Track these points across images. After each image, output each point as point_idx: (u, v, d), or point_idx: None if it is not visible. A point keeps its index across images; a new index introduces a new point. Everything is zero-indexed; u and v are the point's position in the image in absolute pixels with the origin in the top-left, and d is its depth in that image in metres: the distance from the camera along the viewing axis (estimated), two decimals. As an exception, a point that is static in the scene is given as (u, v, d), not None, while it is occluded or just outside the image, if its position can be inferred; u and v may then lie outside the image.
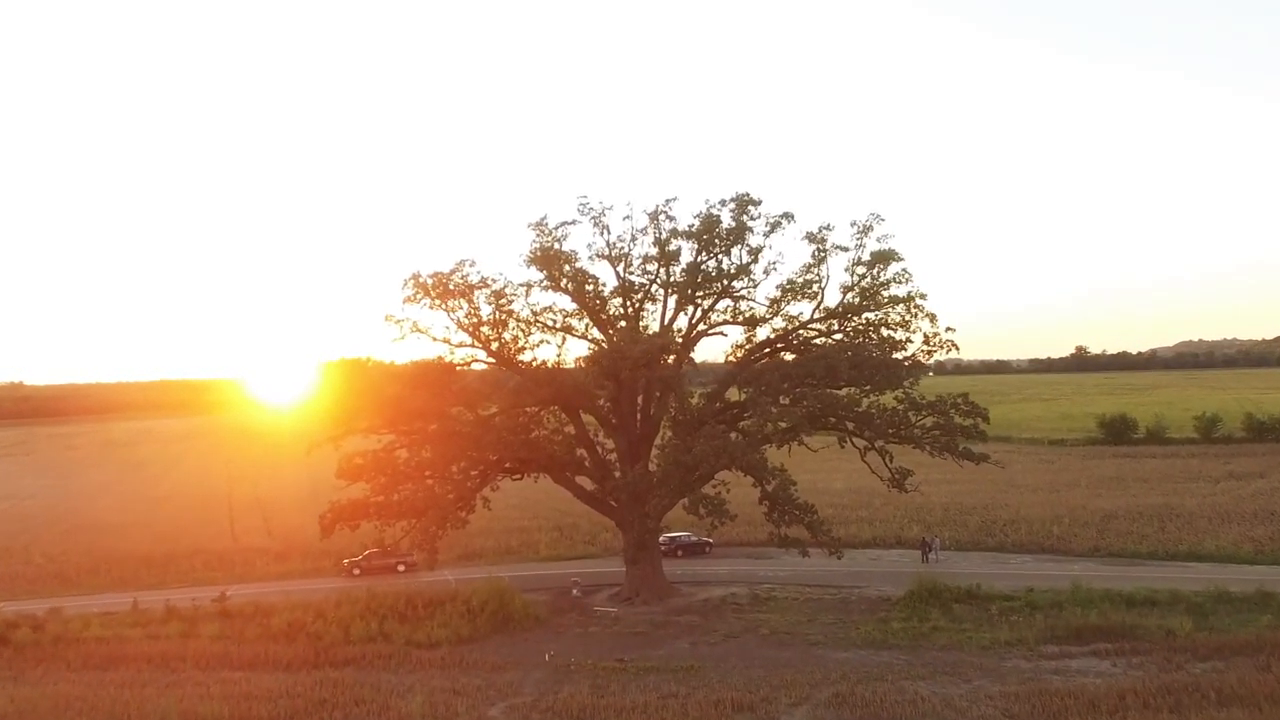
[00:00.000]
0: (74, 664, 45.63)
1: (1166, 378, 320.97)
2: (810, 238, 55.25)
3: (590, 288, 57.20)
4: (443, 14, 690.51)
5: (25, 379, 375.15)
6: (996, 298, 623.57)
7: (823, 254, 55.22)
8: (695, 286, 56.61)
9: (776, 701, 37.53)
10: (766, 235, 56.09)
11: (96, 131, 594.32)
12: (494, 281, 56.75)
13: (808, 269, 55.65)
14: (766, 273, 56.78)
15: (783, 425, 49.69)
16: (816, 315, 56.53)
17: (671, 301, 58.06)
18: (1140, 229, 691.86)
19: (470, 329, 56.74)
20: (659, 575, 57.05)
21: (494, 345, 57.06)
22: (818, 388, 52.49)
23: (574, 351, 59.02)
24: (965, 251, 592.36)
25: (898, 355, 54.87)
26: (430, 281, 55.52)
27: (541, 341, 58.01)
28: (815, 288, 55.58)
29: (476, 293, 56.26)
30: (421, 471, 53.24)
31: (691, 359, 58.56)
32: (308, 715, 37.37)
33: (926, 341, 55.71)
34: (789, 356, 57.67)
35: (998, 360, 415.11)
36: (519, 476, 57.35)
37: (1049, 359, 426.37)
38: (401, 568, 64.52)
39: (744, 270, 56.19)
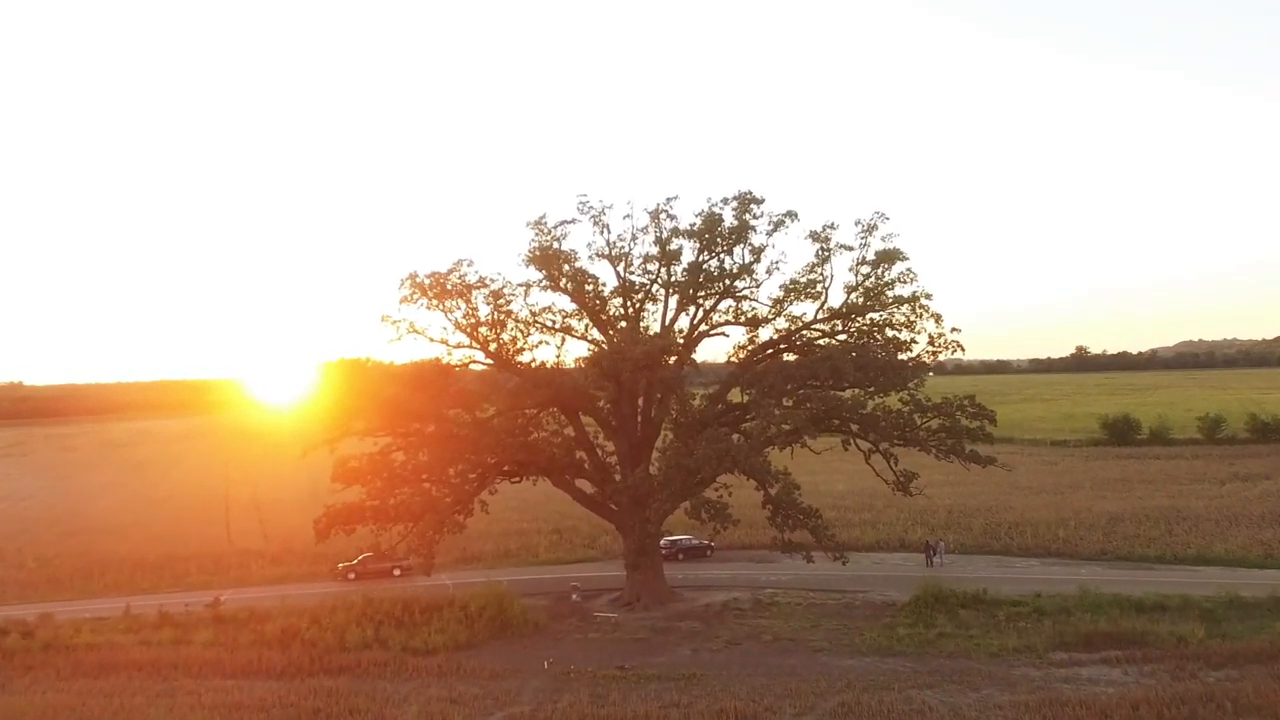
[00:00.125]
0: (64, 672, 44.75)
1: (1167, 378, 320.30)
2: (814, 237, 54.36)
3: (590, 288, 56.32)
4: (442, 12, 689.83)
5: (24, 379, 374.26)
6: (996, 298, 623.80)
7: (826, 253, 54.32)
8: (697, 286, 55.71)
9: (781, 711, 36.76)
10: (769, 234, 55.31)
11: (96, 132, 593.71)
12: (492, 281, 56.01)
13: (811, 268, 54.76)
14: (769, 272, 56.03)
15: (786, 427, 48.74)
16: (820, 316, 55.64)
17: (673, 302, 57.25)
18: (1140, 229, 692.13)
19: (468, 330, 55.88)
20: (660, 580, 56.15)
21: (492, 346, 56.19)
22: (821, 389, 51.55)
23: (573, 352, 58.28)
24: (965, 251, 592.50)
25: (902, 356, 53.93)
26: (427, 281, 54.64)
27: (540, 342, 57.31)
28: (819, 288, 54.71)
29: (474, 293, 55.41)
30: (418, 474, 52.31)
31: (693, 360, 57.59)
32: (301, 725, 36.60)
33: (931, 342, 54.83)
34: (790, 357, 56.79)
35: (998, 360, 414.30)
36: (518, 479, 56.42)
37: (1049, 359, 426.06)
38: (397, 572, 63.60)
39: (746, 270, 55.28)
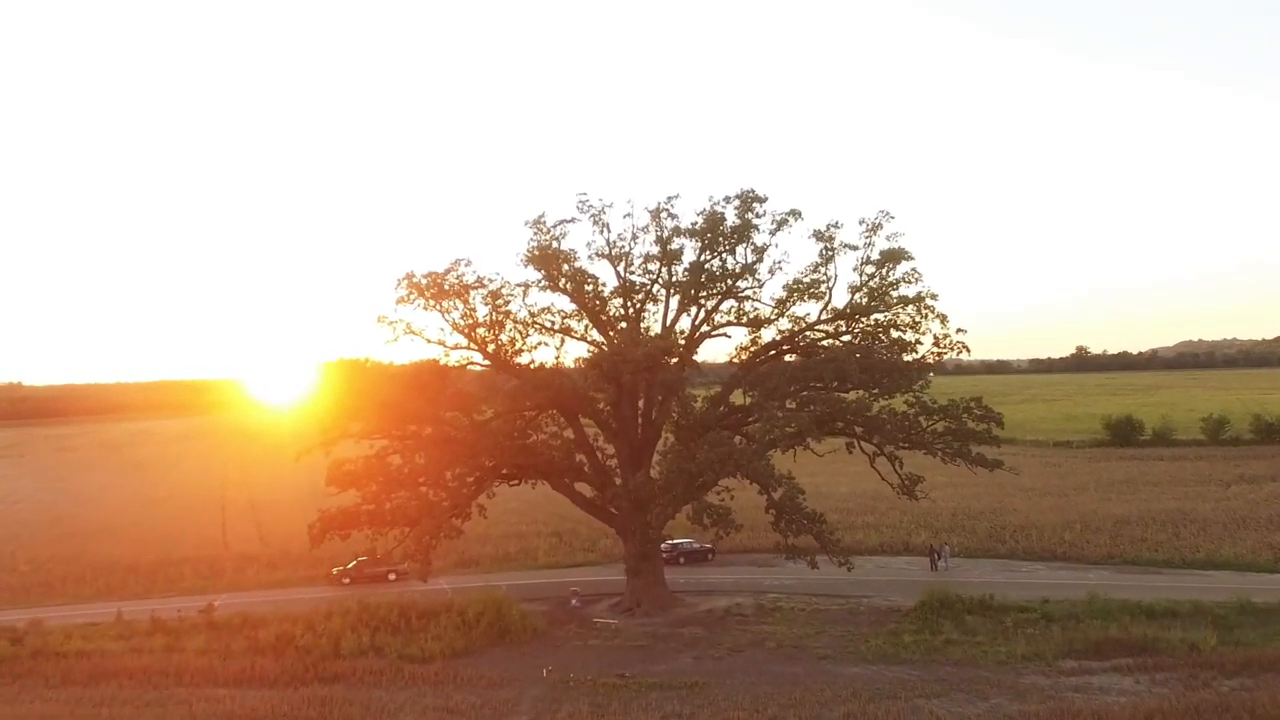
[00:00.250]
0: (53, 680, 43.88)
1: (1168, 378, 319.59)
2: (817, 236, 53.39)
3: (590, 288, 55.43)
4: (440, 9, 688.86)
5: (24, 379, 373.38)
6: (996, 298, 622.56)
7: (830, 253, 53.35)
8: (698, 286, 54.79)
9: (786, 722, 35.85)
10: (772, 233, 54.37)
11: (95, 132, 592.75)
12: (490, 281, 55.07)
13: (815, 268, 53.83)
14: (772, 272, 55.09)
15: (789, 430, 47.81)
16: (824, 316, 54.70)
17: (674, 302, 56.35)
18: (1140, 229, 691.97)
19: (466, 330, 54.97)
20: (661, 585, 55.21)
21: (490, 347, 55.28)
22: (825, 391, 50.63)
23: (573, 352, 57.39)
24: (965, 251, 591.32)
25: (907, 357, 53.00)
26: (424, 281, 53.70)
27: (539, 343, 56.42)
28: (822, 288, 53.74)
29: (472, 293, 54.48)
30: (415, 478, 51.40)
31: (695, 361, 56.64)
32: (293, 736, 35.75)
33: (936, 343, 53.88)
34: (792, 358, 55.86)
35: (998, 360, 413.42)
36: (516, 482, 55.49)
37: (1049, 359, 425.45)
38: (393, 576, 62.64)
39: (749, 270, 54.35)
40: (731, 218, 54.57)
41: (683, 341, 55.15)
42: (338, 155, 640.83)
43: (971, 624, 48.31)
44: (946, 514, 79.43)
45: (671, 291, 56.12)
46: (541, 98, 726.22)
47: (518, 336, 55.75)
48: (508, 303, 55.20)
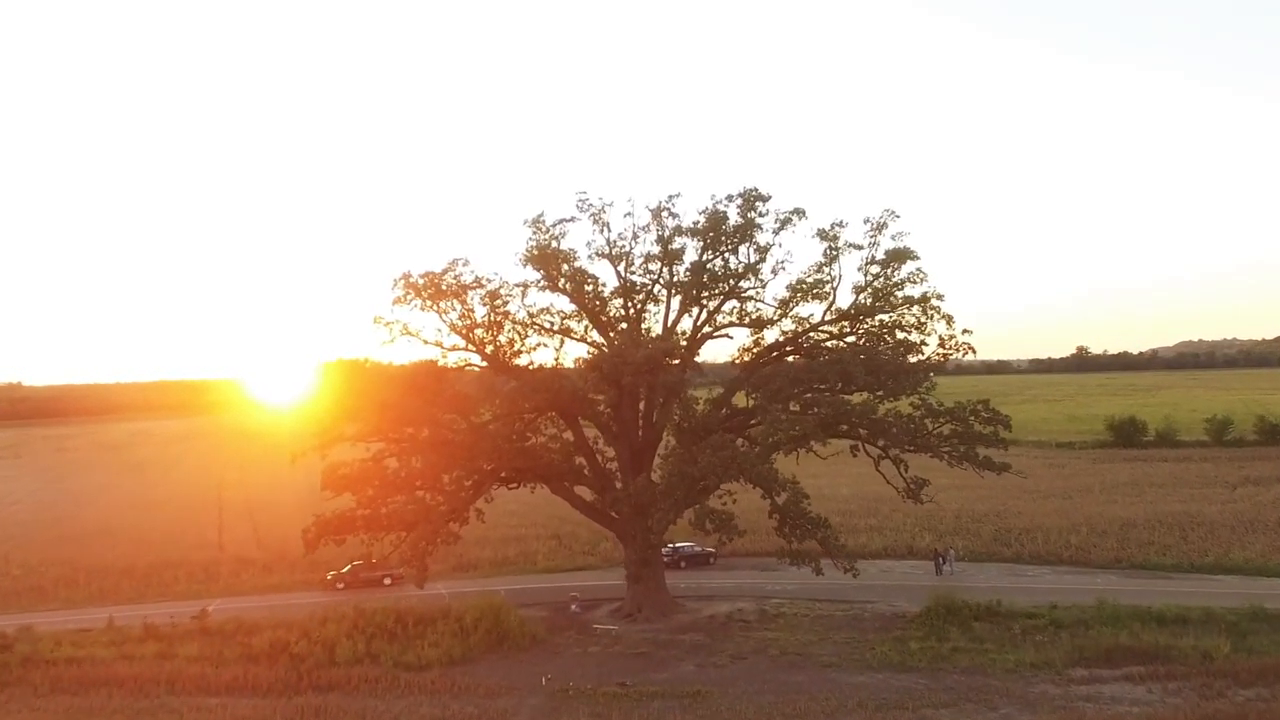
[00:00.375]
0: (41, 689, 42.86)
1: (1169, 378, 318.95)
2: (822, 235, 52.46)
3: (590, 288, 54.57)
4: (439, 7, 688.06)
5: (23, 380, 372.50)
6: (996, 297, 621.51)
7: (835, 252, 52.43)
8: (700, 287, 53.89)
9: (791, 733, 34.98)
10: (776, 233, 53.47)
11: (94, 131, 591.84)
12: (489, 281, 54.29)
13: (819, 268, 52.89)
14: (775, 272, 54.24)
15: (793, 433, 46.86)
16: (828, 317, 53.80)
17: (675, 302, 55.49)
18: (1140, 229, 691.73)
19: (464, 331, 54.12)
20: (662, 590, 54.27)
21: (488, 348, 54.43)
22: (830, 393, 49.70)
23: (573, 353, 56.52)
24: (965, 251, 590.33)
25: (912, 358, 52.07)
26: (421, 281, 52.82)
27: (538, 344, 55.57)
28: (827, 288, 52.84)
29: (470, 293, 53.67)
30: (412, 482, 50.49)
31: (696, 363, 55.72)
32: (285, 748, 34.85)
33: (942, 344, 52.99)
34: (793, 360, 54.93)
35: (998, 360, 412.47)
36: (515, 486, 54.58)
37: (1049, 359, 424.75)
38: (388, 581, 61.70)
39: (752, 269, 53.47)
40: (734, 217, 53.72)
41: (684, 343, 54.25)
42: (337, 155, 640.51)
43: (979, 631, 47.38)
44: (950, 516, 78.54)
45: (673, 292, 55.27)
46: (542, 96, 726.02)
47: (516, 337, 54.98)
48: (506, 303, 54.45)
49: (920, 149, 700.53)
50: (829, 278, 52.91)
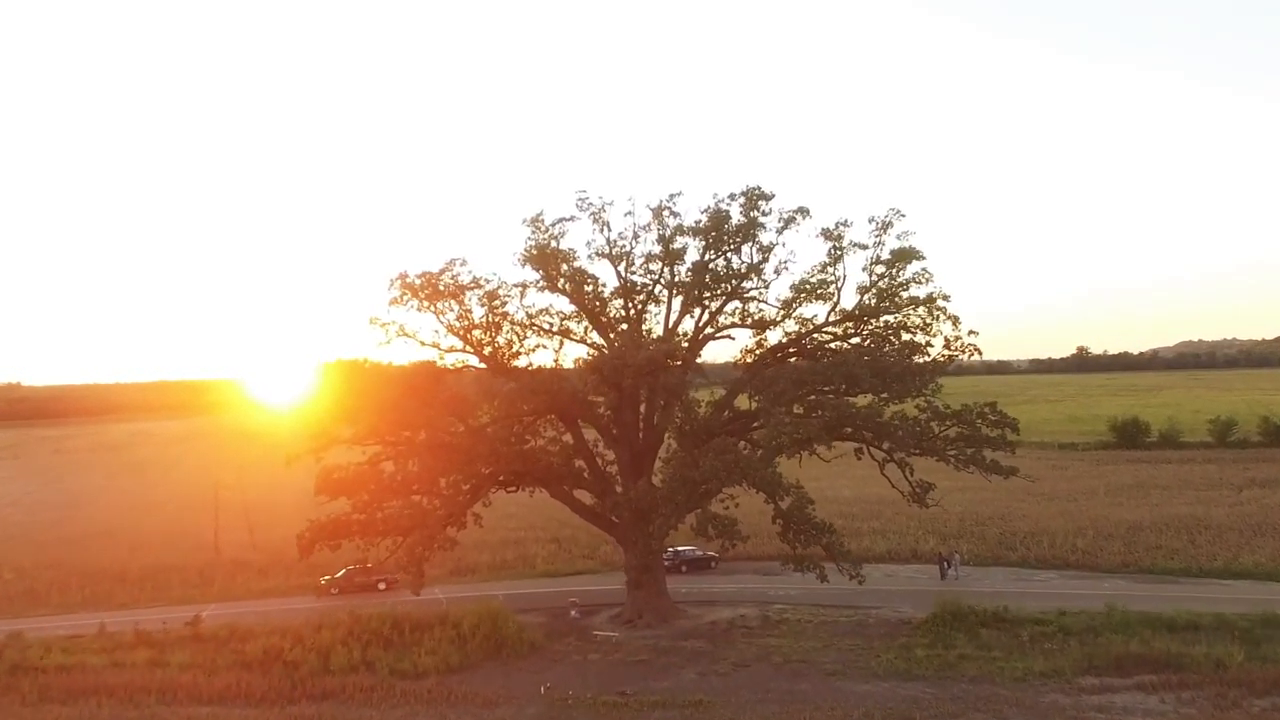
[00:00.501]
0: (29, 698, 41.96)
1: (1170, 378, 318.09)
2: (826, 235, 51.56)
3: (589, 288, 53.66)
4: (437, 3, 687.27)
5: (22, 380, 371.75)
6: (996, 298, 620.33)
7: (839, 252, 51.53)
8: (702, 287, 52.98)
9: (796, 746, 34.05)
10: (779, 232, 52.61)
11: (94, 131, 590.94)
12: (487, 282, 53.34)
13: (822, 268, 51.99)
14: (778, 272, 53.39)
15: (797, 436, 45.93)
16: (832, 318, 52.89)
17: (676, 303, 54.61)
18: (1140, 229, 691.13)
19: (461, 332, 53.21)
20: (663, 595, 53.33)
21: (487, 350, 53.49)
22: (834, 396, 48.78)
23: (573, 353, 55.58)
24: (964, 251, 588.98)
25: (918, 360, 51.13)
26: (418, 282, 51.87)
27: (537, 346, 54.56)
28: (831, 288, 51.95)
29: (468, 294, 52.72)
30: (408, 485, 49.53)
31: (698, 365, 54.79)
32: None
33: (948, 345, 52.08)
34: (795, 361, 53.99)
35: (998, 360, 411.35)
36: (513, 489, 53.66)
37: (1050, 359, 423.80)
38: (382, 585, 60.72)
39: (754, 269, 52.58)
40: (737, 216, 52.84)
41: (686, 344, 53.34)
42: (337, 154, 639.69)
43: (986, 638, 46.40)
44: (954, 519, 77.59)
45: (674, 292, 54.37)
46: (542, 93, 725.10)
47: (515, 338, 54.03)
48: (505, 304, 53.54)
49: (920, 149, 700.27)
50: (833, 278, 52.08)
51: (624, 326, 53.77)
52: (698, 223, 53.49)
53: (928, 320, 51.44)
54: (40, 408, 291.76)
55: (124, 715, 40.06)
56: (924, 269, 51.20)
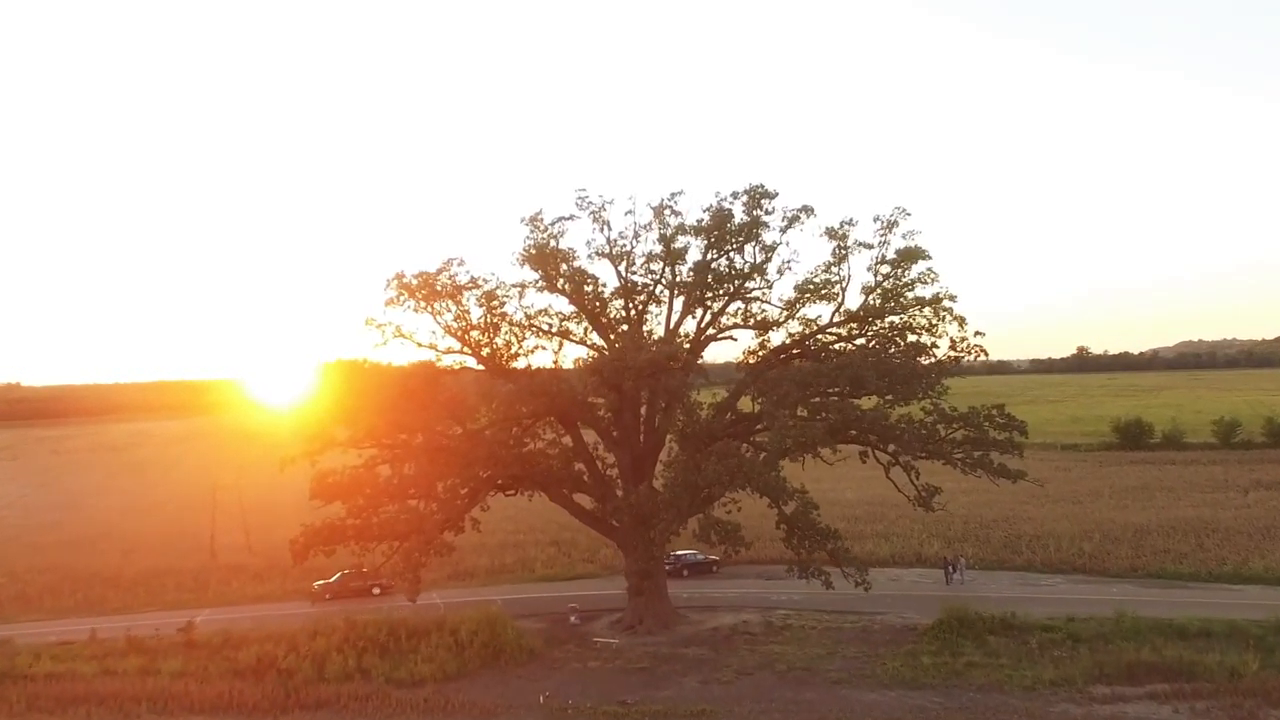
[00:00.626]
0: (17, 707, 41.19)
1: (1171, 378, 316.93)
2: (830, 234, 50.59)
3: (589, 288, 52.72)
4: (435, 1, 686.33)
5: (21, 380, 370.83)
6: (996, 298, 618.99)
7: (844, 252, 50.56)
8: (704, 287, 52.05)
9: (801, 758, 33.16)
10: (783, 231, 51.66)
11: (94, 131, 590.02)
12: (485, 282, 52.40)
13: (826, 268, 51.02)
14: (781, 272, 52.38)
15: (801, 440, 44.99)
16: (836, 319, 51.94)
17: (678, 303, 53.72)
18: (1140, 229, 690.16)
19: (459, 334, 52.30)
20: (664, 601, 52.40)
21: (485, 351, 52.58)
22: (839, 398, 47.85)
23: (573, 353, 54.68)
24: (964, 251, 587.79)
25: (923, 361, 50.20)
26: (415, 282, 50.95)
27: (537, 347, 53.65)
28: (835, 289, 50.96)
29: (465, 294, 51.82)
30: (405, 490, 48.58)
31: (700, 366, 53.86)
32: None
33: (953, 346, 51.14)
34: (798, 363, 53.07)
35: (998, 361, 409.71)
36: (512, 493, 52.73)
37: (1050, 359, 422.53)
38: (377, 590, 59.80)
39: (757, 269, 51.63)
40: (739, 214, 51.91)
41: (687, 345, 52.42)
42: (337, 153, 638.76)
43: (994, 645, 45.42)
44: (959, 522, 76.61)
45: (675, 292, 53.45)
46: (541, 91, 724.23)
47: (513, 340, 53.13)
48: (503, 304, 52.66)
49: (920, 149, 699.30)
50: (837, 278, 51.10)
51: (624, 327, 52.86)
52: (700, 222, 52.59)
53: (933, 321, 50.51)
54: (39, 408, 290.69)
55: (112, 726, 39.24)
56: (929, 269, 50.31)
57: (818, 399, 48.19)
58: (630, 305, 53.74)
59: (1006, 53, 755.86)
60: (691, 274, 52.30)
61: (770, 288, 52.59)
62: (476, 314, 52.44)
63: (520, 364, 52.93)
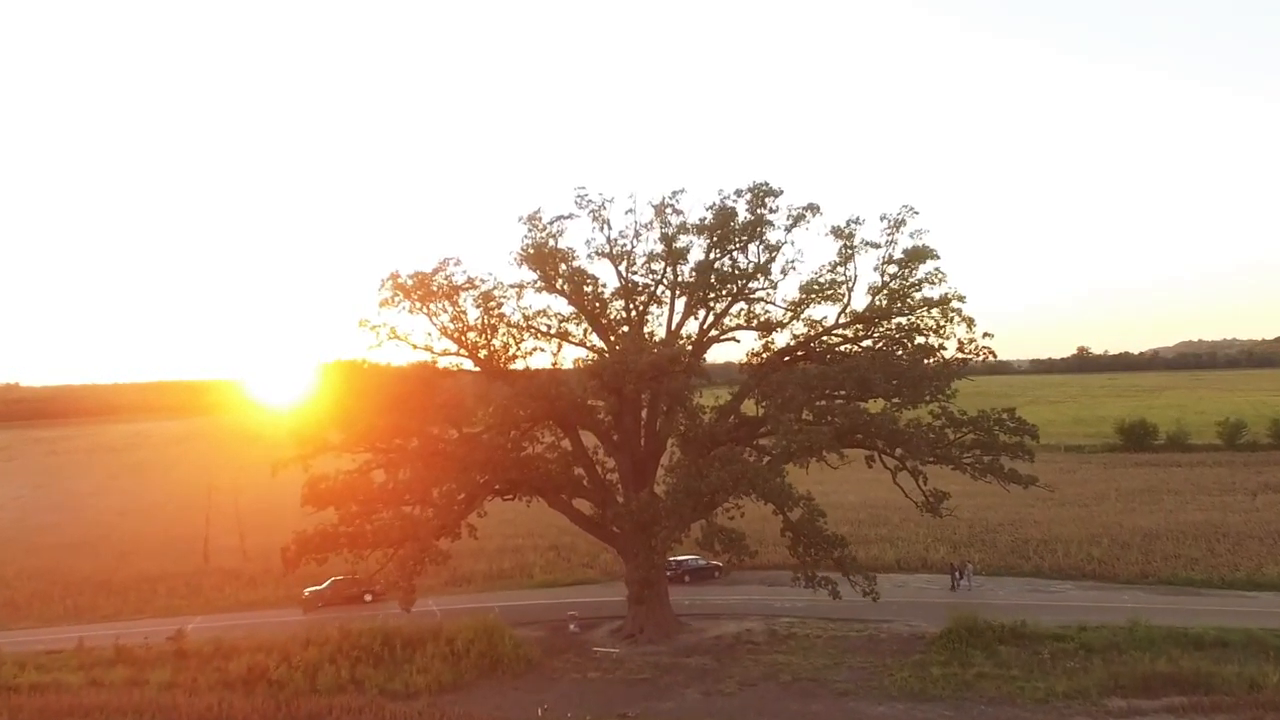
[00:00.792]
0: (-1, 719, 39.93)
1: (1172, 379, 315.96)
2: (836, 233, 49.37)
3: (589, 289, 51.48)
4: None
5: (20, 380, 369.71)
6: (997, 298, 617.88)
7: (850, 251, 49.33)
8: (706, 287, 50.84)
9: (809, 776, 31.97)
10: (787, 230, 50.42)
11: (93, 132, 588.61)
12: (482, 282, 51.14)
13: (832, 268, 49.83)
14: (785, 272, 51.15)
15: (806, 444, 43.74)
16: (842, 320, 50.73)
17: (679, 304, 52.45)
18: (1140, 229, 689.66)
19: (455, 335, 51.08)
20: (665, 609, 51.15)
21: (482, 353, 51.37)
22: (846, 401, 46.63)
23: (572, 354, 53.47)
24: (964, 251, 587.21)
25: (930, 363, 48.98)
26: (410, 282, 49.74)
27: (535, 349, 52.39)
28: (841, 289, 49.75)
29: (462, 294, 50.58)
30: (399, 496, 47.35)
31: (703, 369, 52.61)
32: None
33: (961, 348, 49.96)
34: (803, 365, 51.87)
35: (999, 361, 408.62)
36: (510, 498, 51.51)
37: (1050, 359, 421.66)
38: (368, 597, 58.48)
39: (761, 269, 50.40)
40: (743, 213, 50.67)
41: (690, 347, 51.20)
42: (336, 153, 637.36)
43: (1004, 655, 44.10)
44: (964, 527, 75.19)
45: (677, 293, 52.23)
46: (541, 89, 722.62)
47: (511, 341, 51.90)
48: (500, 305, 51.40)
49: (920, 148, 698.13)
50: (843, 278, 49.85)
51: (625, 329, 51.66)
52: (702, 220, 51.40)
53: (941, 322, 49.32)
54: (37, 408, 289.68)
55: (99, 739, 38.05)
56: (937, 269, 49.10)
57: (823, 402, 46.94)
58: (631, 306, 52.56)
59: (1006, 53, 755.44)
60: (694, 274, 51.10)
61: (774, 288, 51.46)
62: (473, 315, 51.29)
63: (518, 366, 51.73)
